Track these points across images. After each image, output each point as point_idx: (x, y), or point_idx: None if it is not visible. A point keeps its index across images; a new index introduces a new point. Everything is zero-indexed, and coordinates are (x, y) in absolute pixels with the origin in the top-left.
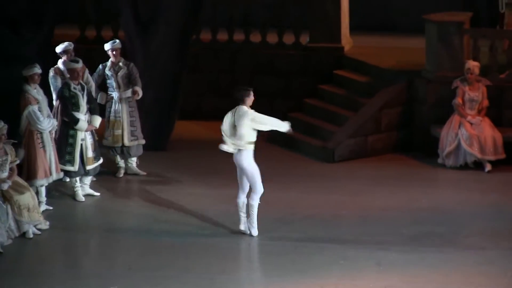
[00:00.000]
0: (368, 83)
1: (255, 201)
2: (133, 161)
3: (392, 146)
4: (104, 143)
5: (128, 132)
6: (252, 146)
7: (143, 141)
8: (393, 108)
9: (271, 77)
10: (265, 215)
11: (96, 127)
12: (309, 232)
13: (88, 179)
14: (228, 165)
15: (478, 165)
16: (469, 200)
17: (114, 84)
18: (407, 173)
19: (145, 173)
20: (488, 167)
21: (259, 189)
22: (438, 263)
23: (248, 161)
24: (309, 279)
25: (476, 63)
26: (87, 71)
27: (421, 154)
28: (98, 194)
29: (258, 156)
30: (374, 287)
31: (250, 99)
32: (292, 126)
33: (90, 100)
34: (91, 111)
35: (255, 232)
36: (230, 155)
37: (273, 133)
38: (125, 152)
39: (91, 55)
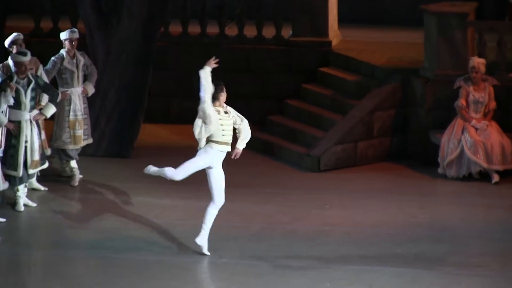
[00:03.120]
0: (358, 82)
1: (166, 173)
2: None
3: (385, 153)
4: (56, 145)
5: (83, 132)
6: (220, 146)
7: (91, 140)
8: (386, 110)
9: (248, 75)
10: (240, 231)
11: (46, 117)
12: (290, 250)
13: (34, 183)
14: (199, 174)
15: (484, 176)
16: (472, 216)
17: (74, 78)
18: (402, 184)
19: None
20: (495, 178)
21: (177, 172)
22: (435, 284)
23: (198, 153)
24: None
25: (481, 60)
26: (41, 67)
27: (418, 163)
28: (34, 204)
29: (233, 163)
30: None
31: (222, 96)
32: (274, 132)
33: (46, 90)
34: (50, 98)
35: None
36: None
37: (252, 137)
38: (62, 155)
39: (46, 49)
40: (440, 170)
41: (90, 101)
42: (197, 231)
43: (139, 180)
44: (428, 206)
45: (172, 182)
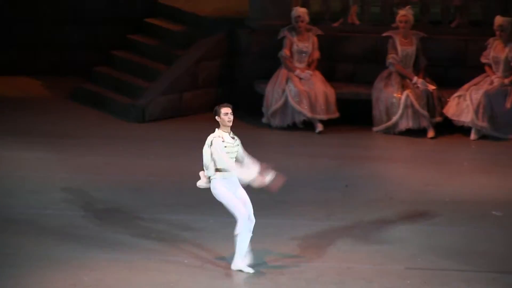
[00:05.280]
0: (183, 32)
1: (237, 230)
2: None
3: (210, 103)
4: None
5: None
6: (220, 174)
7: None
8: (212, 61)
9: (72, 26)
10: (67, 182)
11: None
12: (116, 202)
13: None
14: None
15: (308, 125)
16: (298, 165)
17: None
18: None
19: None
20: (319, 127)
21: (238, 216)
22: (263, 232)
23: (215, 191)
24: (117, 255)
25: (305, 10)
26: None
27: (243, 113)
28: None
29: (59, 114)
30: (189, 263)
31: (221, 118)
32: (100, 84)
33: None
34: None
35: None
36: None
37: (78, 88)
38: None
39: None
40: (264, 120)
41: None
42: None
43: None
44: (254, 155)
45: None
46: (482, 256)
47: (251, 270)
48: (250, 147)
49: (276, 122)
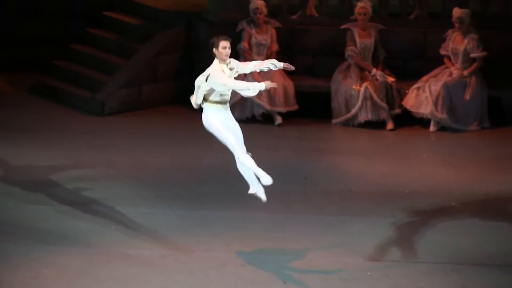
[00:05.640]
0: (142, 26)
1: (238, 162)
2: None
3: (170, 97)
4: None
5: None
6: (214, 105)
7: None
8: (171, 54)
9: (31, 20)
10: (25, 176)
11: None
12: (75, 195)
13: None
14: None
15: (267, 118)
16: (257, 158)
17: None
18: (186, 127)
19: None
20: (278, 120)
21: (231, 148)
22: (223, 225)
23: (207, 121)
24: (77, 248)
25: (263, 2)
26: None
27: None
28: None
29: (18, 107)
30: (149, 255)
31: (218, 51)
32: (60, 78)
33: None
34: None
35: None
36: None
37: (37, 83)
38: None
39: None
40: None
41: None
42: None
43: None
44: (212, 149)
45: None
46: (442, 248)
47: (263, 197)
48: (209, 140)
49: (235, 115)
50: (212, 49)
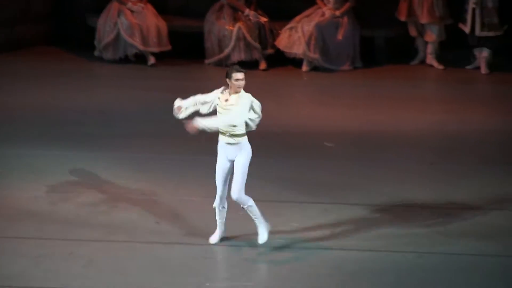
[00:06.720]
0: None
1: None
2: None
3: (43, 37)
4: None
5: None
6: (221, 137)
7: None
8: None
9: None
10: None
11: None
12: None
13: None
14: None
15: (140, 58)
16: (130, 98)
17: None
18: (61, 68)
19: None
20: (151, 60)
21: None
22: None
23: None
24: None
25: None
26: None
27: (76, 47)
28: None
29: None
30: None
31: (231, 83)
32: None
33: None
34: None
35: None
36: None
37: None
38: None
39: None
40: (96, 53)
41: None
42: None
43: None
44: (88, 89)
45: None
46: (316, 187)
47: (213, 242)
48: (84, 80)
49: (108, 55)
50: (226, 79)
